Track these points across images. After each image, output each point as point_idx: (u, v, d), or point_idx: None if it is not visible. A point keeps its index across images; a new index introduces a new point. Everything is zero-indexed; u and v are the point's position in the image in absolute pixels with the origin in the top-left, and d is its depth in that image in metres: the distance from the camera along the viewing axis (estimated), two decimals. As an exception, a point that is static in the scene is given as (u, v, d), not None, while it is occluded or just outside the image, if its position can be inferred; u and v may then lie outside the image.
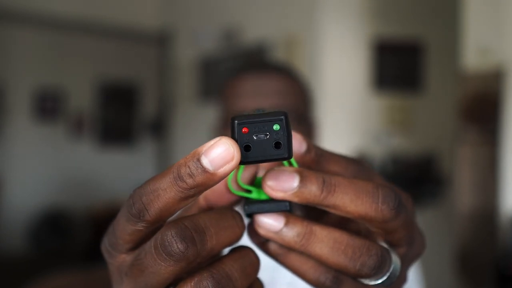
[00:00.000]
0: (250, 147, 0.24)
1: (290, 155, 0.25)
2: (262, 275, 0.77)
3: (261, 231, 0.27)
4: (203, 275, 0.24)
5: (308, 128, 0.81)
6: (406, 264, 0.29)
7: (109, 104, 4.38)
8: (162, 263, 0.23)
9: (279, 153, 0.24)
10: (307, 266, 0.28)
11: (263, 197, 0.27)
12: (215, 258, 0.25)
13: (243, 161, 0.24)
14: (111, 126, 4.40)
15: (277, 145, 0.24)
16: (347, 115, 2.74)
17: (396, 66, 2.84)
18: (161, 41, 4.27)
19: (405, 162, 2.85)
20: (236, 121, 0.24)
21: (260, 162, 0.25)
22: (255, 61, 2.79)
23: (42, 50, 4.04)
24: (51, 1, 3.93)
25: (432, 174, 2.89)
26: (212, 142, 0.23)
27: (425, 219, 2.75)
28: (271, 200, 0.27)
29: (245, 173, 0.28)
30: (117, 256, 0.26)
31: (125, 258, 0.26)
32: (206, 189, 0.23)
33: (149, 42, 4.33)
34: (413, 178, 2.83)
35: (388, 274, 0.27)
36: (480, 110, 2.07)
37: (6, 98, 3.91)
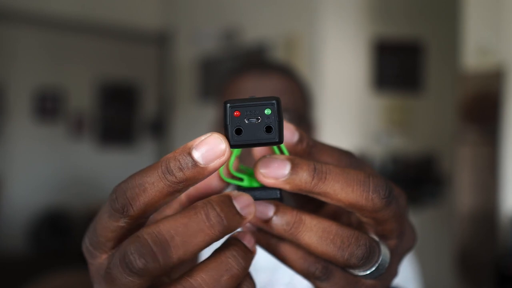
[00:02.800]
0: (241, 130, 0.25)
1: (280, 140, 0.25)
2: (261, 276, 0.77)
3: (251, 219, 0.27)
4: None
5: (307, 128, 0.81)
6: (396, 257, 0.30)
7: (109, 104, 4.38)
8: (128, 278, 0.23)
9: (269, 137, 0.25)
10: (296, 256, 0.28)
11: (254, 185, 0.27)
12: (193, 265, 0.25)
13: (234, 145, 0.25)
14: (111, 126, 4.40)
15: (268, 129, 0.25)
16: (347, 115, 2.74)
17: (396, 66, 2.84)
18: (161, 41, 4.27)
19: (405, 162, 2.85)
20: (228, 104, 0.25)
21: (250, 146, 0.25)
22: (255, 60, 2.79)
23: (42, 50, 4.04)
24: (51, 1, 3.93)
25: (432, 174, 2.89)
26: (203, 137, 0.23)
27: (425, 219, 2.75)
28: (262, 188, 0.27)
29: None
30: (97, 256, 0.26)
31: (105, 260, 0.25)
32: (194, 183, 0.23)
33: (149, 42, 4.33)
34: (413, 178, 2.83)
35: (376, 265, 0.27)
36: (480, 110, 2.07)
37: (6, 98, 3.91)
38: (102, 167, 4.28)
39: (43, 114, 4.07)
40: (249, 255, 0.25)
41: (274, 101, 0.25)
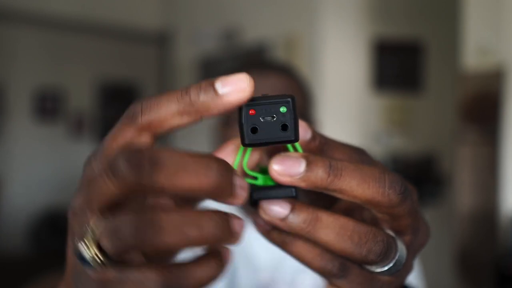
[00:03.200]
0: (257, 129, 0.25)
1: (296, 138, 0.25)
2: (263, 275, 0.77)
3: (267, 218, 0.26)
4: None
5: None
6: (412, 252, 0.30)
7: (109, 104, 4.38)
8: (105, 178, 0.22)
9: (286, 135, 0.25)
10: (313, 254, 0.27)
11: (269, 184, 0.27)
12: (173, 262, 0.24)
13: (250, 143, 0.25)
14: (111, 126, 4.28)
15: (284, 127, 0.25)
16: (347, 115, 2.74)
17: (396, 66, 2.84)
18: (161, 41, 4.27)
19: (405, 162, 2.85)
20: (243, 103, 0.25)
21: (267, 144, 0.25)
22: (255, 60, 2.79)
23: (42, 50, 4.04)
24: (51, 1, 3.93)
25: (432, 174, 2.89)
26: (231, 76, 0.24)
27: (425, 219, 2.75)
28: (277, 186, 0.27)
29: (250, 159, 0.28)
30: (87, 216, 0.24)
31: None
32: (207, 113, 0.24)
33: (149, 42, 4.33)
34: (413, 178, 2.83)
35: (394, 261, 0.27)
36: (480, 110, 2.07)
37: (6, 98, 3.91)
38: (102, 167, 4.28)
39: (43, 114, 4.07)
40: (228, 229, 0.23)
41: (289, 99, 0.25)
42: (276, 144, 0.25)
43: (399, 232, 0.28)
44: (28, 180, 4.01)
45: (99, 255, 0.23)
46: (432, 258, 2.53)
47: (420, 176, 2.85)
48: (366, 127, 2.78)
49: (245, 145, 0.25)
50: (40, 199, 4.04)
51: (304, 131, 0.27)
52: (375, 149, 2.78)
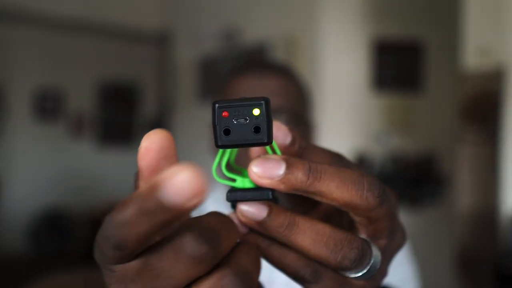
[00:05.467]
0: (229, 131, 0.25)
1: (269, 140, 0.25)
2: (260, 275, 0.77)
3: (244, 220, 0.27)
4: (223, 272, 0.23)
5: (306, 129, 0.81)
6: (386, 256, 0.30)
7: (109, 104, 4.38)
8: (182, 266, 0.22)
9: (258, 137, 0.24)
10: (287, 259, 0.28)
11: (247, 186, 0.27)
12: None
13: (223, 145, 0.25)
14: (111, 126, 4.40)
15: (257, 129, 0.24)
16: (347, 115, 2.74)
17: (396, 66, 2.84)
18: (161, 41, 4.27)
19: (405, 162, 2.85)
20: (216, 105, 0.25)
21: (239, 146, 0.25)
22: (254, 61, 2.79)
23: (42, 50, 4.04)
24: (51, 1, 3.93)
25: (432, 174, 2.89)
26: (173, 171, 0.18)
27: (425, 219, 2.75)
28: (254, 189, 0.27)
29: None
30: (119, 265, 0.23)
31: (130, 266, 0.23)
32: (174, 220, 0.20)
33: (149, 42, 4.33)
34: (413, 178, 2.83)
35: (368, 267, 0.28)
36: (480, 110, 2.07)
37: (6, 98, 3.91)
38: (102, 167, 4.28)
39: (43, 114, 4.08)
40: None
41: (262, 102, 0.24)
42: (249, 146, 0.25)
43: (375, 236, 0.29)
44: (28, 180, 4.01)
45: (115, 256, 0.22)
46: (432, 258, 2.53)
47: (420, 176, 2.85)
48: (366, 127, 2.78)
49: (218, 146, 0.25)
50: (40, 199, 4.04)
51: (284, 135, 0.27)
52: (375, 149, 2.78)
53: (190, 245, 0.22)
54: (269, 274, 0.69)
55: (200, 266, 0.22)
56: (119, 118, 4.43)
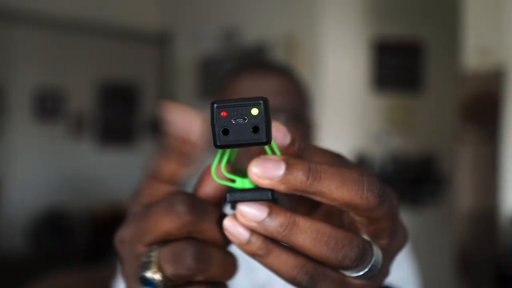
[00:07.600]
0: (228, 131, 0.25)
1: (268, 140, 0.25)
2: (260, 274, 0.77)
3: (244, 221, 0.26)
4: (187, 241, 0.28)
5: (305, 129, 0.81)
6: (388, 256, 0.30)
7: (109, 104, 4.37)
8: (167, 219, 0.28)
9: (256, 137, 0.25)
10: (285, 266, 0.28)
11: (246, 186, 0.27)
12: None
13: (221, 145, 0.25)
14: (111, 126, 4.40)
15: (255, 129, 0.25)
16: (347, 115, 2.74)
17: (396, 66, 2.84)
18: (161, 41, 4.27)
19: (405, 162, 2.85)
20: (215, 105, 0.25)
21: (237, 146, 0.25)
22: (254, 61, 2.79)
23: (42, 50, 4.04)
24: (51, 1, 3.93)
25: (432, 174, 2.89)
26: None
27: (425, 219, 2.75)
28: (254, 189, 0.27)
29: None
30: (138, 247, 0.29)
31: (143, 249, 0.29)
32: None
33: (149, 42, 4.33)
34: (413, 178, 2.83)
35: (369, 266, 0.28)
36: (480, 110, 2.07)
37: (6, 98, 3.91)
38: (102, 167, 4.28)
39: (43, 114, 4.07)
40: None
41: (260, 101, 0.25)
42: (248, 146, 0.25)
43: (376, 236, 0.29)
44: (28, 180, 4.01)
45: (164, 279, 0.28)
46: (432, 258, 2.53)
47: (420, 176, 2.85)
48: (366, 127, 2.78)
49: (217, 146, 0.25)
50: (40, 199, 4.04)
51: (283, 136, 0.27)
52: (375, 149, 2.78)
53: (180, 204, 0.27)
54: (269, 273, 0.69)
55: (179, 222, 0.27)
56: (119, 118, 4.43)
